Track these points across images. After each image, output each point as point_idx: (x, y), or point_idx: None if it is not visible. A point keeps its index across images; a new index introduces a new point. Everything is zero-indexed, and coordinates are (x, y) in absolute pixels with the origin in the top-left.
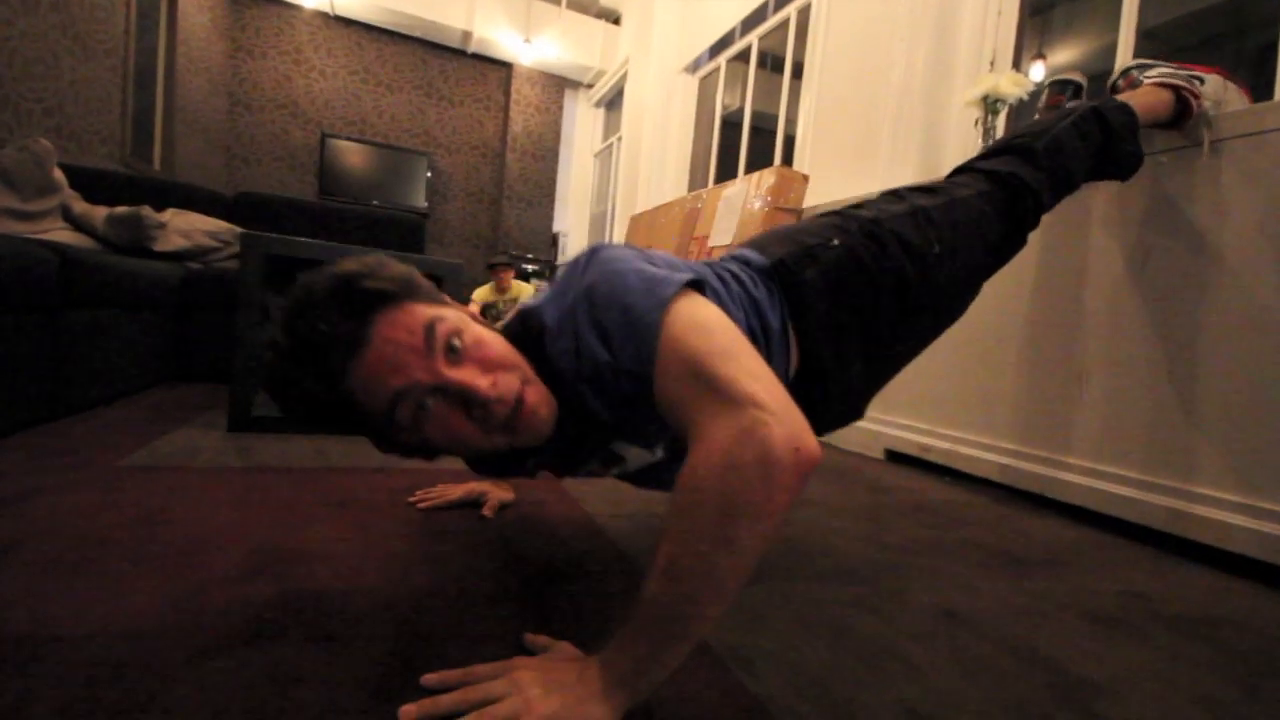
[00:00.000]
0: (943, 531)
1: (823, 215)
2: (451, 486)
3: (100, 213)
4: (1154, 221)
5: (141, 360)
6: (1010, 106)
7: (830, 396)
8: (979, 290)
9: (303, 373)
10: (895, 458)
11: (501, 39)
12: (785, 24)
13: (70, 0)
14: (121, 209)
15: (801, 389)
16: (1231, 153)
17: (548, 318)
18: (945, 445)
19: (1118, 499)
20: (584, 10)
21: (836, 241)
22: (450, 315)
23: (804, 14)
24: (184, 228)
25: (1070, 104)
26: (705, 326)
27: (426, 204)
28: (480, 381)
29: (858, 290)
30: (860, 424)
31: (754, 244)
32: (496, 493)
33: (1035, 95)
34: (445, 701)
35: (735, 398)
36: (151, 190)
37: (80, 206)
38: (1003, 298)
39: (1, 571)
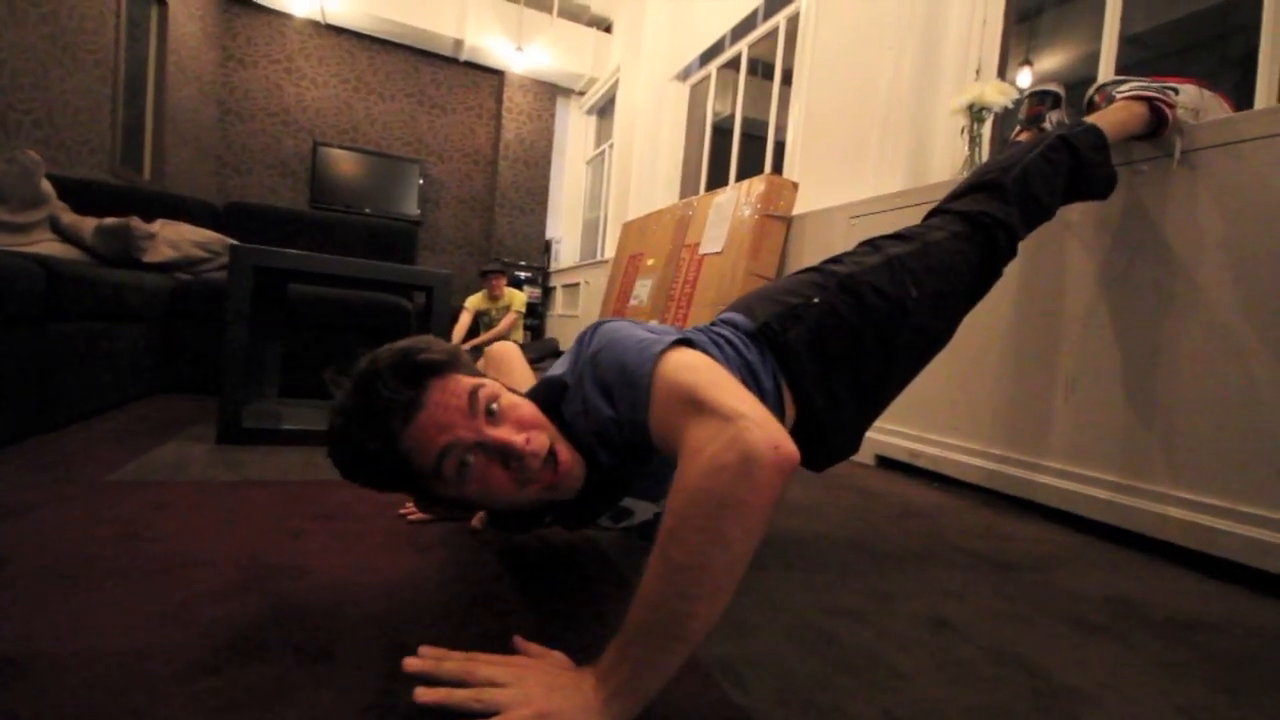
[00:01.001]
0: (929, 537)
1: (802, 272)
2: None
3: (89, 224)
4: (1131, 231)
5: (130, 372)
6: (996, 114)
7: (826, 439)
8: (961, 320)
9: (366, 434)
10: (885, 463)
11: (493, 47)
12: (775, 32)
13: (59, 11)
14: (110, 220)
15: (800, 437)
16: (1206, 163)
17: (568, 380)
18: (933, 451)
19: (1100, 503)
20: (575, 18)
21: (817, 299)
22: (489, 384)
23: (793, 22)
24: (173, 238)
25: (1044, 126)
26: (692, 366)
27: (419, 211)
28: (517, 438)
29: (841, 342)
30: None
31: (740, 307)
32: None
33: (1019, 103)
34: (449, 667)
35: (718, 411)
36: (141, 201)
37: (69, 218)
38: (987, 306)
39: None
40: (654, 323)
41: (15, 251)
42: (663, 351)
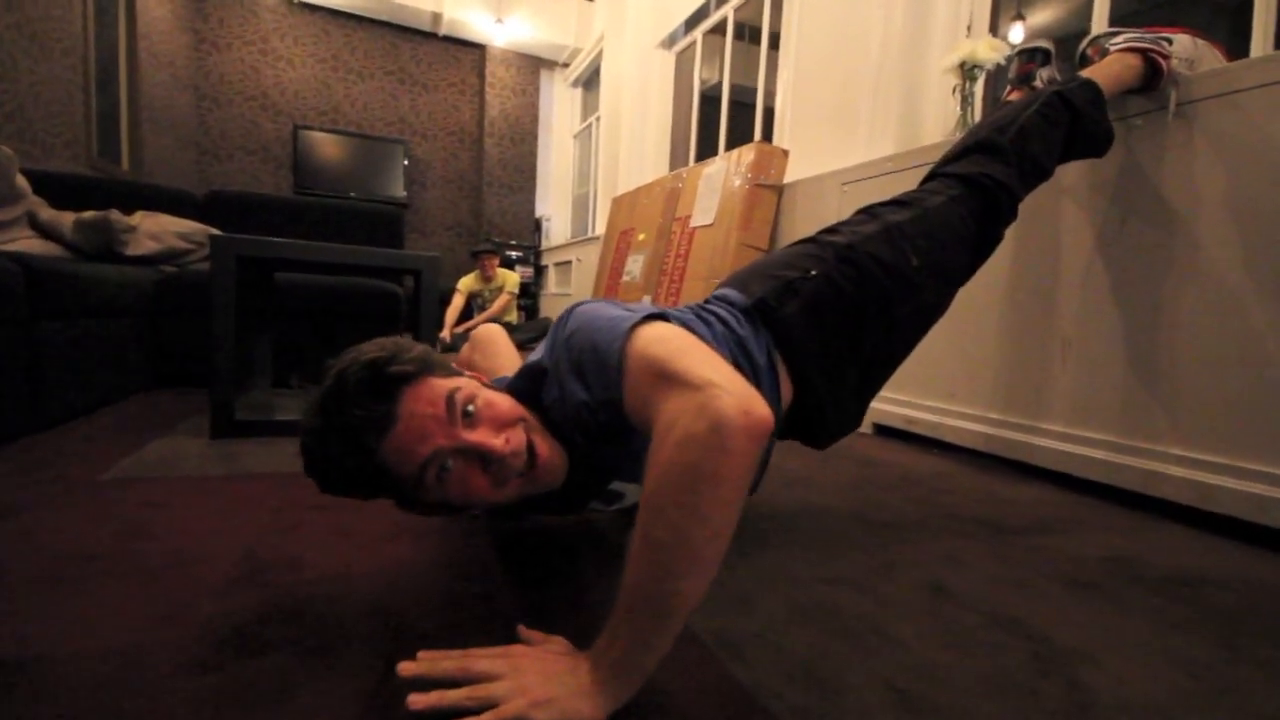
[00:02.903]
0: (928, 504)
1: (799, 244)
2: None
3: (68, 218)
4: (1126, 187)
5: (119, 369)
6: (988, 72)
7: (828, 416)
8: (962, 285)
9: (341, 452)
10: (883, 431)
11: (472, 20)
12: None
13: (24, 0)
14: (89, 214)
15: (799, 414)
16: (1203, 115)
17: (546, 365)
18: (930, 417)
19: (1098, 463)
20: None
21: (814, 272)
22: (465, 384)
23: None
24: (155, 230)
25: (1035, 84)
26: (662, 338)
27: (405, 193)
28: (494, 441)
29: (840, 315)
30: None
31: (735, 282)
32: None
33: (1010, 61)
34: (444, 666)
35: (689, 381)
36: (119, 192)
37: (47, 213)
38: (982, 270)
39: None
40: (646, 300)
41: None
42: (633, 326)
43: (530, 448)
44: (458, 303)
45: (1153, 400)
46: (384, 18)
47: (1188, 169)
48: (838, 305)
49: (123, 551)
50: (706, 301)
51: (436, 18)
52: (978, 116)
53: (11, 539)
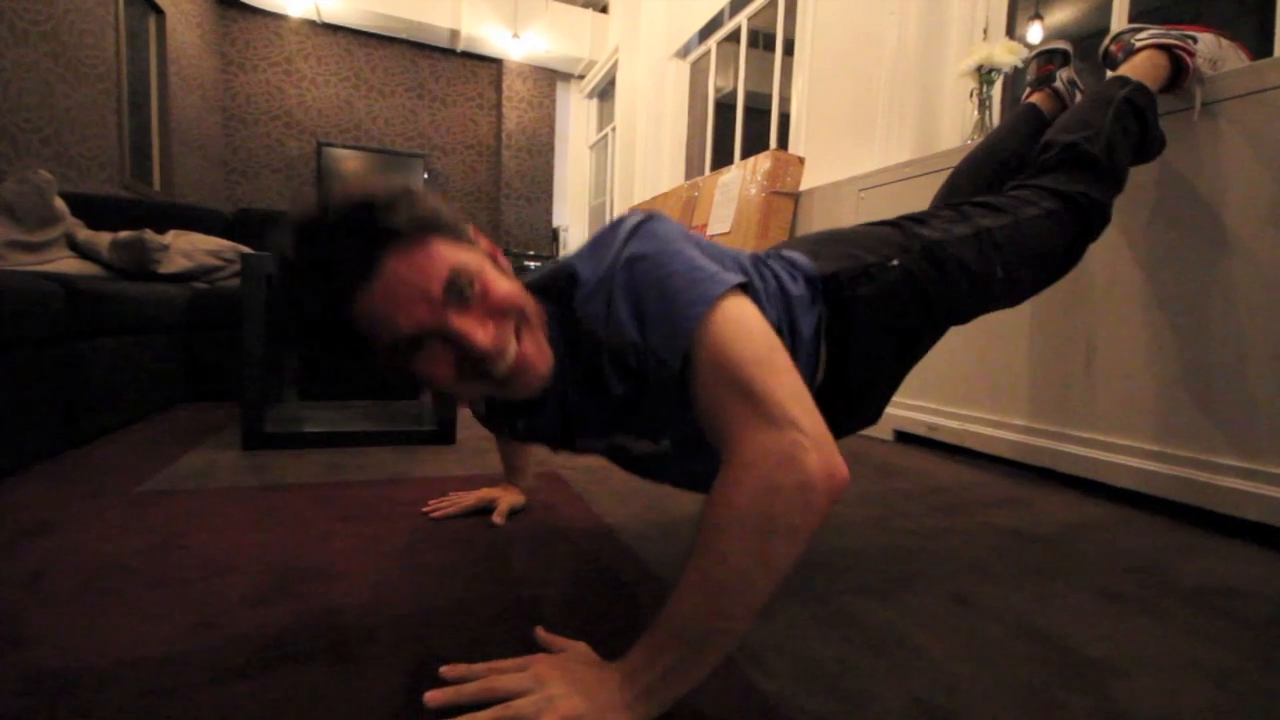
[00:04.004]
0: (953, 513)
1: (880, 225)
2: (463, 494)
3: (104, 239)
4: (1154, 188)
5: (153, 383)
6: (1006, 75)
7: (854, 409)
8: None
9: (305, 294)
10: (904, 438)
11: (489, 35)
12: (774, 2)
13: (60, 28)
14: (125, 234)
15: (825, 400)
16: (1231, 114)
17: (581, 270)
18: (954, 424)
19: (1129, 471)
20: (570, 1)
21: (896, 262)
22: (470, 260)
23: None
24: (186, 249)
25: (1055, 86)
26: (748, 332)
27: None
28: (480, 335)
29: (907, 313)
30: None
31: (804, 246)
32: (507, 498)
33: (1029, 63)
34: (469, 690)
35: (774, 417)
36: (152, 212)
37: (84, 234)
38: None
39: (28, 604)
40: (705, 237)
41: (35, 271)
42: (719, 297)
43: (519, 353)
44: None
45: (1185, 405)
46: (404, 36)
47: (1216, 168)
48: (912, 304)
49: (159, 563)
50: (767, 255)
51: (454, 34)
52: (995, 120)
53: (52, 552)
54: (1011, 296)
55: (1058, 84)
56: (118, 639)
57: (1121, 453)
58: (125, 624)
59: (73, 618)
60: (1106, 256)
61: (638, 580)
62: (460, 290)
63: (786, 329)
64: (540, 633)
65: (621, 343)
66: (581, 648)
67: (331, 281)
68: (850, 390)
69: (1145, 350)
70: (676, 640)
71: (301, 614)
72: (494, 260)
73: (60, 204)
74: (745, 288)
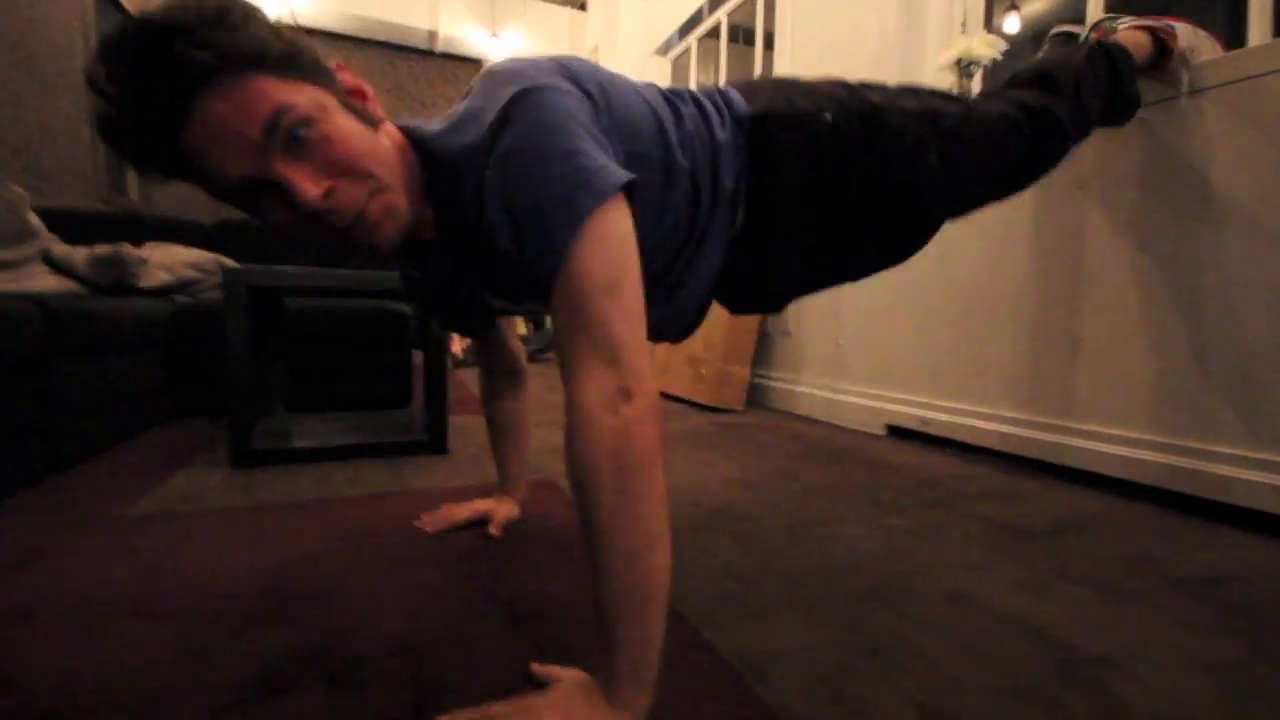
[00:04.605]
0: (946, 509)
1: (830, 81)
2: (456, 507)
3: (81, 254)
4: (1145, 175)
5: (137, 401)
6: (985, 68)
7: (760, 275)
8: (940, 226)
9: (123, 131)
10: (897, 432)
11: (468, 36)
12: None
13: (27, 38)
14: (101, 248)
15: (734, 256)
16: (1217, 101)
17: (446, 143)
18: (945, 417)
19: (1121, 460)
20: None
21: (829, 116)
22: (303, 101)
23: None
24: (166, 261)
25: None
26: (606, 259)
27: None
28: (309, 188)
29: (830, 180)
30: (860, 399)
31: (744, 86)
32: (502, 510)
33: (1009, 55)
34: None
35: (607, 356)
36: (130, 225)
37: (60, 249)
38: (996, 261)
39: (22, 639)
40: (608, 78)
41: (10, 292)
42: (592, 212)
43: (360, 211)
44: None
45: (1175, 392)
46: (382, 38)
47: (1205, 155)
48: (832, 169)
49: (149, 590)
50: (707, 93)
51: (433, 35)
52: None
53: (41, 584)
54: (947, 200)
55: None
56: (110, 673)
57: (1113, 442)
58: (117, 657)
59: (65, 650)
60: (1100, 244)
61: None
62: (289, 134)
63: (708, 178)
64: (534, 667)
65: (492, 242)
66: (574, 675)
67: (143, 121)
68: (764, 252)
69: (1134, 338)
70: (615, 606)
71: (296, 640)
72: (353, 102)
73: (34, 219)
74: (627, 188)
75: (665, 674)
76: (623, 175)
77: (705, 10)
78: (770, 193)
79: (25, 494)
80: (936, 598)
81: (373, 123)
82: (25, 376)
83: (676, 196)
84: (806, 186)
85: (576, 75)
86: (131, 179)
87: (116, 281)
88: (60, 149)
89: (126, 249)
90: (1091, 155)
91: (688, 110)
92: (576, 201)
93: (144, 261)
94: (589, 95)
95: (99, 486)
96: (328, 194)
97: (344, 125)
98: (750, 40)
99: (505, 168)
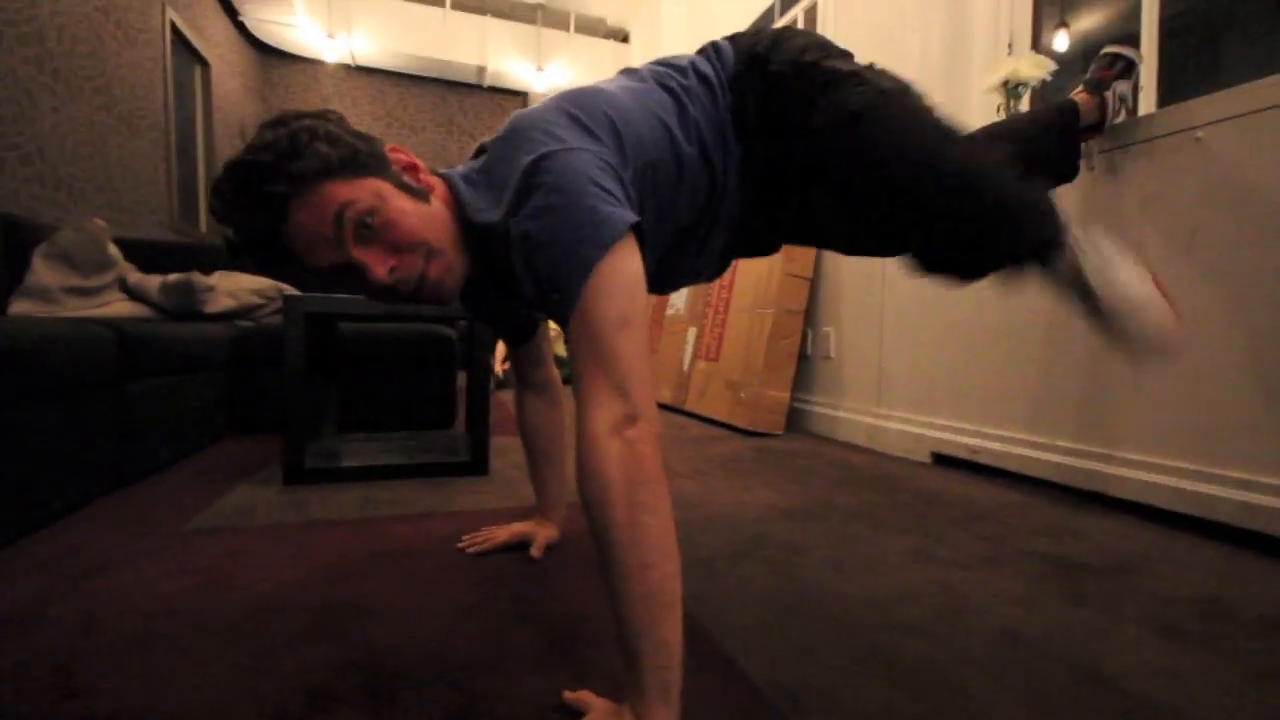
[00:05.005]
0: (996, 541)
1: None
2: (497, 529)
3: (154, 281)
4: (1206, 196)
5: (199, 420)
6: (1033, 89)
7: (761, 225)
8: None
9: (239, 235)
10: (942, 460)
11: (514, 70)
12: (794, 22)
13: (112, 83)
14: (173, 276)
15: (744, 210)
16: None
17: (478, 213)
18: (995, 446)
19: (1186, 494)
20: (592, 32)
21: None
22: (364, 195)
23: (811, 12)
24: (231, 288)
25: (1105, 95)
26: (614, 296)
27: None
28: (377, 269)
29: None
30: (903, 425)
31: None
32: (543, 533)
33: (1057, 74)
34: None
35: (617, 384)
36: (199, 254)
37: (135, 277)
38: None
39: (85, 648)
40: (622, 111)
41: (89, 317)
42: (596, 264)
43: (421, 275)
44: (404, 169)
45: (1243, 424)
46: (434, 74)
47: (1275, 172)
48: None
49: (206, 604)
50: (708, 56)
51: (481, 70)
52: None
53: (106, 594)
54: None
55: (1108, 94)
56: (168, 685)
57: (1175, 475)
58: (175, 668)
59: (125, 664)
60: (1155, 265)
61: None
62: (357, 224)
63: (719, 149)
64: (566, 695)
65: (521, 291)
66: (605, 704)
67: (251, 239)
68: (765, 193)
69: (1200, 367)
70: (635, 618)
71: (341, 655)
72: (407, 180)
73: (114, 249)
74: (635, 228)
75: (701, 707)
76: (627, 219)
77: None
78: (750, 134)
79: (96, 505)
80: (986, 635)
81: (424, 195)
82: (102, 396)
83: (691, 177)
84: (783, 122)
85: (585, 117)
86: (203, 212)
87: (186, 307)
88: (139, 184)
89: (197, 277)
90: (1150, 177)
91: (692, 88)
92: (585, 255)
93: (212, 289)
94: (596, 137)
95: (162, 500)
96: (392, 270)
97: (400, 207)
98: None
99: (525, 237)
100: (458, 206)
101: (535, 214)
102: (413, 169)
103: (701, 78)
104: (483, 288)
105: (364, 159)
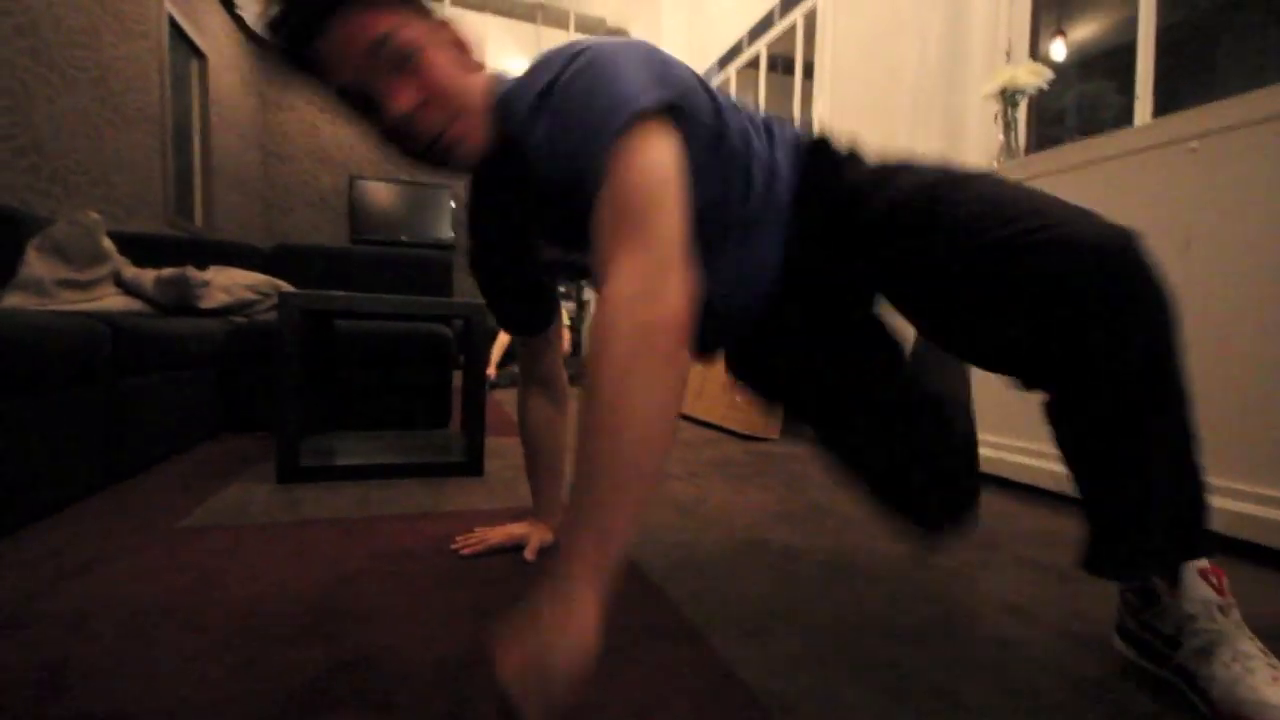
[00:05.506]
0: (990, 548)
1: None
2: (490, 531)
3: (149, 275)
4: (1189, 209)
5: (192, 416)
6: (1030, 96)
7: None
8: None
9: (280, 30)
10: None
11: (513, 67)
12: (793, 29)
13: (107, 74)
14: (168, 271)
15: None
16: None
17: (515, 100)
18: (988, 453)
19: None
20: (592, 31)
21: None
22: (406, 33)
23: (811, 17)
24: (226, 284)
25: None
26: (647, 163)
27: (452, 234)
28: (396, 100)
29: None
30: None
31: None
32: (537, 535)
33: (1054, 83)
34: None
35: (648, 242)
36: (194, 248)
37: (130, 271)
38: None
39: (76, 647)
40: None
41: (82, 311)
42: (631, 126)
43: (442, 131)
44: (503, 340)
45: (1236, 435)
46: None
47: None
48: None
49: (198, 603)
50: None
51: None
52: (1021, 143)
53: (95, 593)
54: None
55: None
56: (160, 683)
57: None
58: (168, 667)
59: (116, 662)
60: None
61: (667, 621)
62: (392, 57)
63: (764, 144)
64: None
65: (545, 167)
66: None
67: (290, 31)
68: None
69: (1214, 372)
70: (595, 478)
71: (335, 656)
72: (452, 48)
73: (108, 243)
74: (673, 109)
75: (694, 709)
76: (669, 94)
77: (745, 42)
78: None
79: (87, 502)
80: (979, 642)
81: (468, 66)
82: (95, 390)
83: (728, 149)
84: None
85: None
86: (199, 207)
87: (180, 302)
88: (134, 177)
89: (191, 272)
90: (1145, 187)
91: (738, 114)
92: (618, 108)
93: (206, 284)
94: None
95: (154, 497)
96: (411, 110)
97: (440, 58)
98: (790, 70)
99: (554, 93)
100: (494, 96)
101: (572, 76)
102: (461, 45)
103: (751, 120)
104: (495, 201)
105: (423, 6)
